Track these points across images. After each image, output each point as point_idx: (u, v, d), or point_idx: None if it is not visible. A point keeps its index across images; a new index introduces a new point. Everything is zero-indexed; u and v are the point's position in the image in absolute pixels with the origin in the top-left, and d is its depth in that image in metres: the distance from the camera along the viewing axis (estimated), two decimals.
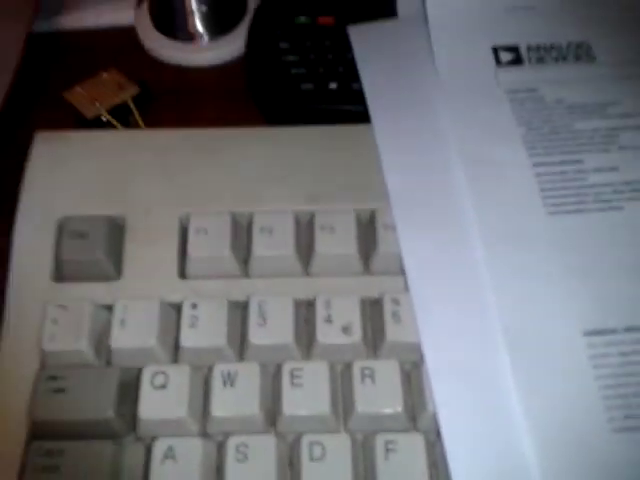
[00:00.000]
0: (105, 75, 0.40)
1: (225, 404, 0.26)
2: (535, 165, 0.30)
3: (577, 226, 0.29)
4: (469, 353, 0.26)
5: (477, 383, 0.26)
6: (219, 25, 0.43)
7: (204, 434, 0.26)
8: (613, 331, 0.26)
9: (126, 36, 0.44)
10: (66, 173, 0.32)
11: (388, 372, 0.26)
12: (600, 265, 0.28)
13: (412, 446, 0.25)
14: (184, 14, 0.42)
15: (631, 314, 0.26)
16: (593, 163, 0.30)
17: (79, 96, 0.39)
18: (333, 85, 0.37)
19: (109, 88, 0.40)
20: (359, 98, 0.35)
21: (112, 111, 0.39)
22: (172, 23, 0.43)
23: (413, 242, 0.28)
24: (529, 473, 0.24)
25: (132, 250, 0.30)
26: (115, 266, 0.30)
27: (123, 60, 0.41)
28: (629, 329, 0.26)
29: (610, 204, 0.29)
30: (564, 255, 0.28)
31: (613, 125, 0.31)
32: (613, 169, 0.30)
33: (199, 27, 0.43)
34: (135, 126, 0.38)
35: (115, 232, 0.30)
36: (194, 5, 0.42)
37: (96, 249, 0.29)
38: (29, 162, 0.33)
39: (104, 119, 0.38)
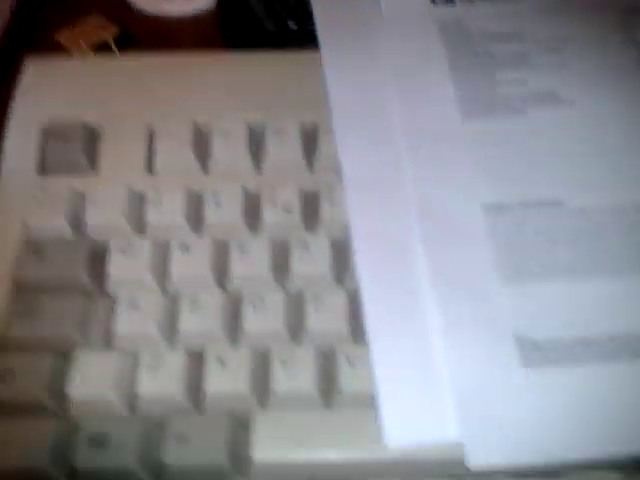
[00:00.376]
0: (89, 18, 0.45)
1: (182, 267, 0.31)
2: (454, 79, 0.35)
3: (486, 127, 0.33)
4: (388, 222, 0.31)
5: (393, 248, 0.30)
6: None
7: (164, 291, 0.31)
8: (508, 205, 0.31)
9: None
10: (51, 90, 0.37)
11: (321, 244, 0.31)
12: (502, 156, 0.33)
13: (335, 299, 0.30)
14: None
15: (524, 192, 0.31)
16: (504, 78, 0.35)
17: (66, 36, 0.44)
18: (292, 25, 0.42)
19: (93, 29, 0.45)
20: (314, 36, 0.40)
21: (95, 49, 0.43)
22: None
23: (347, 139, 0.33)
24: (430, 316, 0.29)
25: (106, 150, 0.35)
26: (91, 163, 0.34)
27: (106, 10, 0.46)
28: (521, 204, 0.31)
29: (516, 110, 0.34)
30: (472, 149, 0.33)
31: (525, 48, 0.36)
32: (521, 82, 0.35)
33: None
34: None
35: (91, 135, 0.35)
36: None
37: (75, 148, 0.34)
38: (20, 81, 0.37)
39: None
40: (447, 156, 0.32)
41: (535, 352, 0.27)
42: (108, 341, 0.30)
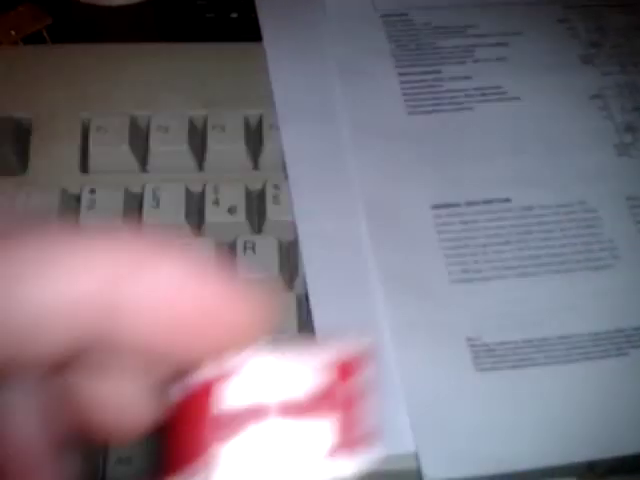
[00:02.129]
0: (21, 8, 0.40)
1: None
2: (400, 74, 0.32)
3: (432, 124, 0.31)
4: (335, 222, 0.28)
5: (342, 249, 0.27)
6: None
7: None
8: (456, 204, 0.29)
9: None
10: None
11: (267, 245, 0.28)
12: (449, 154, 0.30)
13: (286, 304, 0.27)
14: None
15: (472, 191, 0.29)
16: (450, 73, 0.33)
17: None
18: (234, 14, 0.38)
19: (25, 19, 0.40)
20: (257, 26, 0.36)
21: (27, 39, 0.38)
22: None
23: (293, 135, 0.30)
24: (380, 319, 0.26)
25: (37, 147, 0.30)
26: (21, 162, 0.30)
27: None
28: (469, 203, 0.29)
29: (462, 106, 0.32)
30: (419, 147, 0.30)
31: (470, 43, 0.34)
32: (467, 78, 0.32)
33: None
34: None
35: (21, 131, 0.31)
36: None
37: (2, 145, 0.30)
38: None
39: None
40: (394, 154, 0.30)
41: (488, 356, 0.25)
42: None
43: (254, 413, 0.11)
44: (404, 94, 0.32)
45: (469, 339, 0.26)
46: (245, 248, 0.28)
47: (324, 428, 0.11)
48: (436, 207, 0.28)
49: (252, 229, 0.29)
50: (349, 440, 0.11)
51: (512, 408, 0.24)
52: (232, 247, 0.28)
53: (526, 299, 0.26)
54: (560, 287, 0.27)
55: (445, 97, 0.32)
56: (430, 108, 0.31)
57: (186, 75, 0.33)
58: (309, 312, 0.27)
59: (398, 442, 0.24)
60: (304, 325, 0.27)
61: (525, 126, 0.31)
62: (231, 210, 0.29)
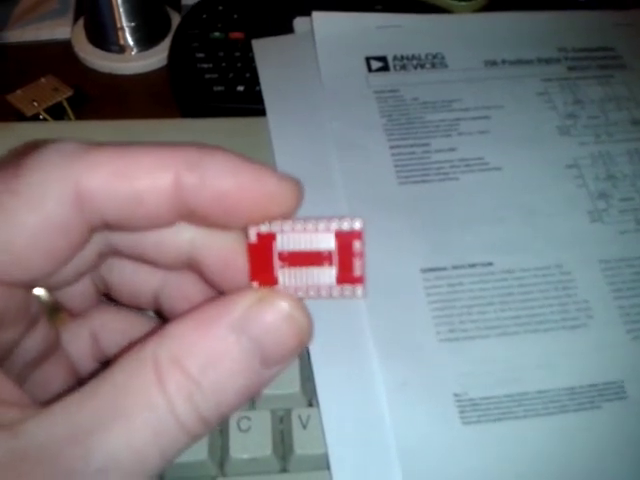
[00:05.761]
0: (43, 80, 0.44)
1: None
2: (391, 147, 0.36)
3: (421, 193, 0.34)
4: None
5: (339, 314, 0.30)
6: (146, 39, 0.47)
7: None
8: (443, 268, 0.32)
9: (63, 49, 0.47)
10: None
11: None
12: (436, 221, 0.33)
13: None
14: (115, 29, 0.46)
15: (458, 256, 0.32)
16: (437, 145, 0.36)
17: (20, 98, 0.43)
18: (240, 88, 0.42)
19: (46, 91, 0.43)
20: (261, 98, 0.40)
21: (49, 110, 0.42)
22: (105, 37, 0.47)
23: None
24: (376, 379, 0.29)
25: None
26: None
27: (61, 69, 0.45)
28: (455, 267, 0.32)
29: (448, 176, 0.35)
30: (410, 215, 0.33)
31: (455, 117, 0.37)
32: (452, 149, 0.36)
33: (129, 40, 0.47)
34: None
35: None
36: (124, 22, 0.46)
37: None
38: None
39: (41, 117, 0.42)
40: (387, 222, 0.33)
41: (473, 410, 0.28)
42: None
43: (296, 255, 0.17)
44: (395, 165, 0.35)
45: (456, 395, 0.28)
46: None
47: (335, 269, 0.17)
48: (425, 271, 0.31)
49: None
50: (350, 277, 0.17)
51: (495, 457, 0.27)
52: None
53: (507, 357, 0.29)
54: (538, 345, 0.29)
55: (432, 168, 0.35)
56: (419, 178, 0.35)
57: None
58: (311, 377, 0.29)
59: None
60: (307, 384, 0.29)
61: (506, 195, 0.34)
62: None
